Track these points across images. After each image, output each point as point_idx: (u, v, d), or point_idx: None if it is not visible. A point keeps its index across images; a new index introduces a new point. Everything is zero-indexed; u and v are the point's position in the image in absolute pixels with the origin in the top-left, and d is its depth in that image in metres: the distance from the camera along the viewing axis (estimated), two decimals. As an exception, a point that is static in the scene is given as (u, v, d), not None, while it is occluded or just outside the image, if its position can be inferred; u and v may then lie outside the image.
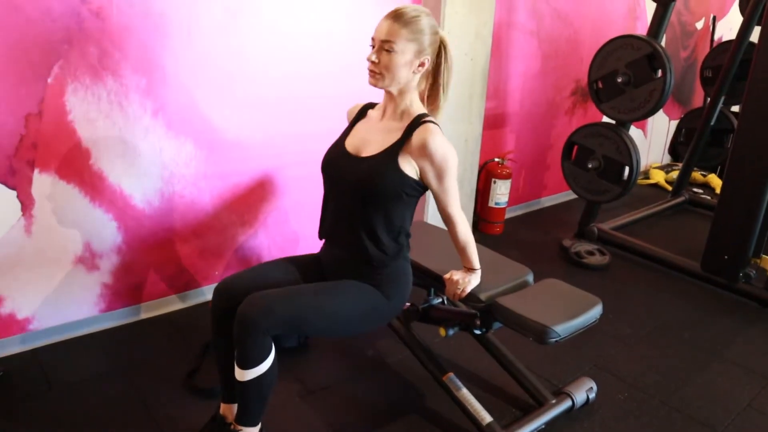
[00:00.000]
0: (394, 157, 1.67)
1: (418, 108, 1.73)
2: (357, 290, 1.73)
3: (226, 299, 1.70)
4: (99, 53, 2.13)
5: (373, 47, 1.67)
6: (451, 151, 1.66)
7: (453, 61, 1.75)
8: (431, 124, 1.67)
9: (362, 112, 1.88)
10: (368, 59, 1.67)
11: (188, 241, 2.58)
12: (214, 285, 2.69)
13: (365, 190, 1.69)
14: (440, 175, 1.68)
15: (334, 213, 1.79)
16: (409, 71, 1.66)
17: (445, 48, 1.72)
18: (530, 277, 2.02)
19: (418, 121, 1.69)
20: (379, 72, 1.66)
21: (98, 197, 2.29)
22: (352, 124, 1.88)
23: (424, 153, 1.65)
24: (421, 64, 1.68)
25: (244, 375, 1.58)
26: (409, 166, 1.68)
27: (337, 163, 1.77)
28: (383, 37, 1.63)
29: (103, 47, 2.13)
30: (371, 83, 1.70)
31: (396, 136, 1.70)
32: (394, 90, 1.70)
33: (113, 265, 2.41)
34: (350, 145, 1.78)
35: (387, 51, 1.63)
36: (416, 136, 1.66)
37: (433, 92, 1.76)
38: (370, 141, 1.74)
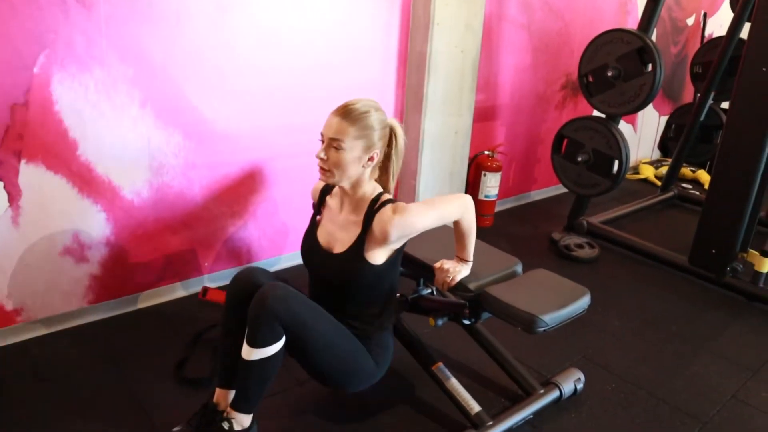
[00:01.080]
0: (361, 254, 1.71)
1: (371, 192, 1.75)
2: (358, 344, 1.77)
3: (247, 284, 1.73)
4: (86, 42, 2.11)
5: (323, 142, 1.68)
6: (409, 216, 1.67)
7: (403, 147, 1.78)
8: (384, 209, 1.69)
9: (323, 199, 1.90)
10: (317, 156, 1.68)
11: (177, 232, 2.57)
12: (204, 276, 2.71)
13: (344, 285, 1.76)
14: (417, 230, 1.72)
15: (319, 291, 1.85)
16: (358, 166, 1.68)
17: (395, 136, 1.74)
18: (519, 268, 2.03)
19: (372, 209, 1.71)
20: (328, 169, 1.68)
21: (86, 188, 2.27)
22: (318, 209, 1.90)
23: (389, 239, 1.67)
24: (371, 159, 1.70)
25: (251, 354, 1.60)
26: (379, 254, 1.72)
27: (313, 257, 1.83)
28: (331, 135, 1.64)
29: (89, 36, 2.12)
30: (321, 179, 1.73)
31: (357, 230, 1.73)
32: (345, 185, 1.73)
33: (102, 256, 2.40)
34: (322, 238, 1.83)
35: (335, 148, 1.64)
36: (376, 227, 1.68)
37: (382, 179, 1.80)
38: (336, 238, 1.78)
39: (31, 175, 2.14)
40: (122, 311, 2.53)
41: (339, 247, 1.75)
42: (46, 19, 2.01)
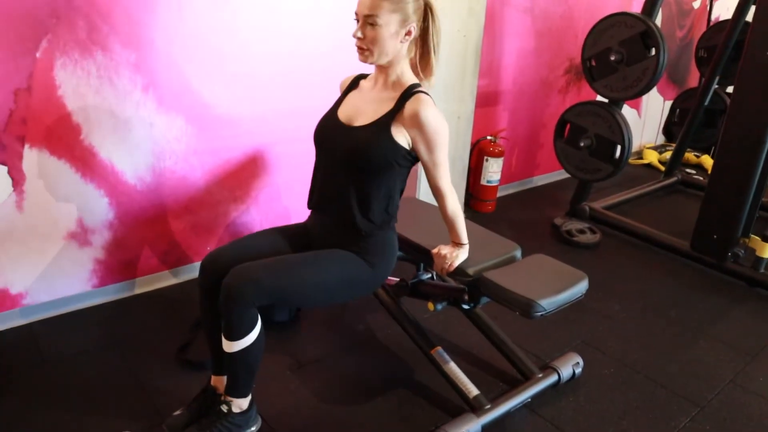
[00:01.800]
0: (387, 127, 1.67)
1: (410, 78, 1.73)
2: (342, 259, 1.74)
3: (213, 272, 1.72)
4: (88, 27, 2.12)
5: (358, 22, 1.65)
6: (442, 123, 1.67)
7: (440, 22, 1.72)
8: (423, 95, 1.67)
9: (354, 83, 1.87)
10: (354, 35, 1.65)
11: (180, 217, 2.59)
12: (206, 260, 2.73)
13: (357, 160, 1.69)
14: (431, 147, 1.68)
15: (325, 182, 1.80)
16: (396, 42, 1.65)
17: (431, 10, 1.69)
18: (518, 253, 2.04)
19: (410, 92, 1.68)
20: (366, 47, 1.65)
21: (89, 173, 2.29)
22: (345, 94, 1.87)
23: (416, 123, 1.65)
24: (408, 33, 1.66)
25: (231, 346, 1.61)
26: (401, 136, 1.68)
27: (330, 132, 1.78)
28: (366, 12, 1.61)
29: (91, 21, 2.12)
30: (360, 59, 1.69)
31: (388, 105, 1.70)
32: (384, 62, 1.70)
33: (105, 240, 2.42)
34: (343, 114, 1.78)
35: (371, 25, 1.61)
36: (408, 107, 1.66)
37: (424, 57, 1.74)
38: (362, 111, 1.74)
39: (34, 159, 2.15)
40: (125, 295, 2.55)
41: (363, 120, 1.71)
42: (47, 4, 2.01)
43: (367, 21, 1.62)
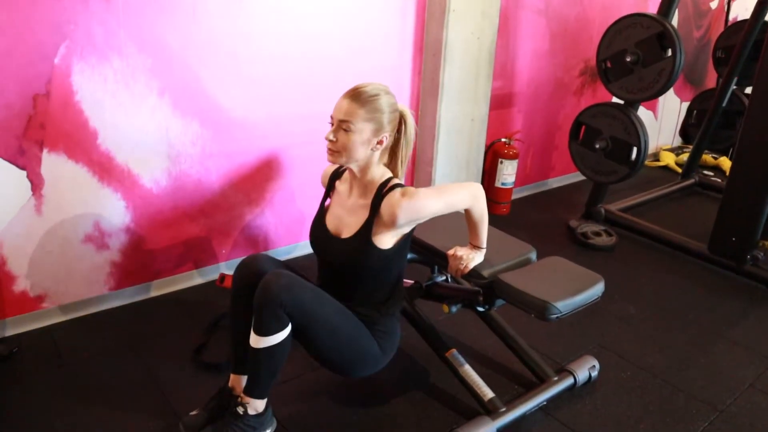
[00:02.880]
0: (368, 238, 1.71)
1: (380, 176, 1.75)
2: (363, 329, 1.77)
3: (252, 272, 1.75)
4: (105, 33, 2.15)
5: (332, 125, 1.68)
6: (418, 200, 1.66)
7: (412, 134, 1.77)
8: (392, 193, 1.68)
9: (332, 184, 1.91)
10: (326, 138, 1.68)
11: (196, 220, 2.61)
12: (221, 263, 2.75)
13: (352, 269, 1.76)
14: (430, 213, 1.71)
15: (329, 280, 1.85)
16: (367, 149, 1.68)
17: (405, 122, 1.73)
18: (533, 255, 2.03)
19: (380, 193, 1.71)
20: (336, 150, 1.68)
21: (106, 176, 2.32)
22: (327, 193, 1.92)
23: (397, 223, 1.67)
24: (380, 142, 1.69)
25: (258, 342, 1.62)
26: (387, 238, 1.72)
27: (323, 243, 1.83)
28: (341, 117, 1.64)
29: (108, 27, 2.15)
30: (330, 161, 1.73)
31: (364, 214, 1.73)
32: (354, 168, 1.73)
33: (122, 244, 2.45)
34: (330, 224, 1.83)
35: (345, 130, 1.64)
36: (384, 211, 1.68)
37: (391, 165, 1.79)
38: (345, 222, 1.78)
39: (53, 164, 2.18)
40: (142, 297, 2.58)
41: (347, 232, 1.76)
42: (65, 10, 2.05)
43: (341, 126, 1.65)
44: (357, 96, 1.64)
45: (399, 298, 1.88)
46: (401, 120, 1.73)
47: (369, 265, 1.73)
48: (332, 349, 1.74)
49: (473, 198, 1.79)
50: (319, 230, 1.85)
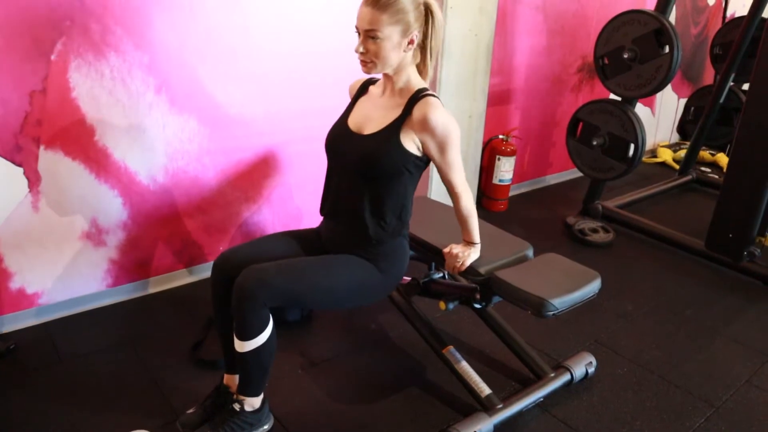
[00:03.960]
0: (396, 134, 1.67)
1: (417, 82, 1.73)
2: (353, 265, 1.75)
3: (225, 272, 1.73)
4: (101, 30, 2.14)
5: (359, 36, 1.65)
6: (452, 123, 1.66)
7: (441, 22, 1.70)
8: (431, 98, 1.67)
9: (364, 88, 1.88)
10: (356, 51, 1.65)
11: (193, 217, 2.61)
12: (217, 260, 2.74)
13: (368, 168, 1.70)
14: (443, 148, 1.68)
15: (337, 189, 1.80)
16: (399, 52, 1.65)
17: (432, 14, 1.67)
18: (530, 252, 2.03)
19: (417, 96, 1.68)
20: (369, 60, 1.65)
21: (103, 173, 2.31)
22: (354, 100, 1.88)
23: (425, 127, 1.65)
24: (410, 42, 1.65)
25: (243, 346, 1.61)
26: (411, 142, 1.68)
27: (340, 141, 1.78)
28: (366, 27, 1.61)
29: (105, 24, 2.14)
30: (364, 71, 1.70)
31: (397, 112, 1.70)
32: (389, 71, 1.70)
33: (119, 240, 2.44)
34: (353, 122, 1.78)
35: (372, 39, 1.61)
36: (417, 111, 1.66)
37: (422, 61, 1.74)
38: (371, 118, 1.74)
39: (49, 160, 2.18)
40: (139, 294, 2.58)
41: (373, 127, 1.71)
42: (62, 7, 2.04)
43: (368, 35, 1.61)
44: (377, 1, 1.58)
45: (407, 219, 1.81)
46: (427, 12, 1.66)
47: (390, 162, 1.68)
48: (334, 302, 1.74)
49: (465, 188, 1.78)
50: (338, 129, 1.80)
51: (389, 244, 1.78)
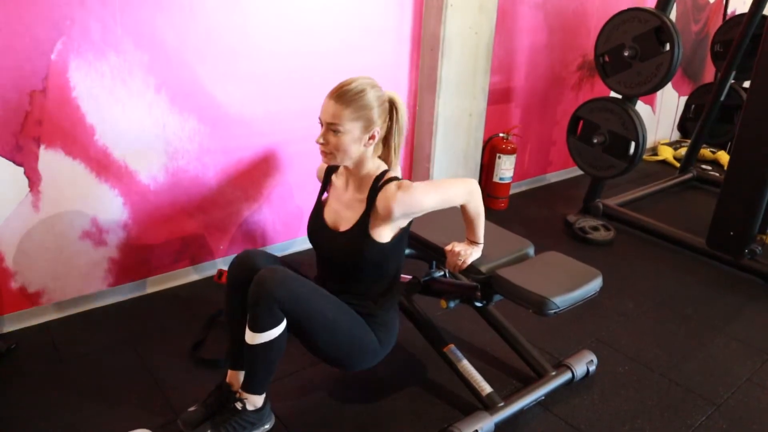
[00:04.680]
0: (366, 232, 1.70)
1: (375, 169, 1.74)
2: (360, 321, 1.77)
3: (246, 268, 1.74)
4: (101, 29, 2.14)
5: (321, 126, 1.66)
6: (413, 194, 1.65)
7: (405, 119, 1.74)
8: (388, 186, 1.67)
9: (328, 179, 1.90)
10: (317, 142, 1.67)
11: (193, 216, 2.61)
12: (219, 259, 2.75)
13: (350, 263, 1.75)
14: (421, 209, 1.70)
15: (328, 274, 1.85)
16: (359, 146, 1.67)
17: (396, 109, 1.71)
18: (531, 250, 2.03)
19: (376, 186, 1.70)
20: (329, 152, 1.67)
21: (104, 173, 2.31)
22: (324, 187, 1.92)
23: (393, 217, 1.66)
24: (372, 137, 1.67)
25: (254, 338, 1.62)
26: (384, 231, 1.71)
27: (321, 235, 1.83)
28: (328, 119, 1.62)
29: (105, 23, 2.14)
30: (324, 161, 1.72)
31: (361, 208, 1.72)
32: (349, 164, 1.72)
33: (120, 240, 2.44)
34: (328, 217, 1.83)
35: (334, 132, 1.63)
36: (380, 205, 1.67)
37: (384, 155, 1.77)
38: (342, 216, 1.78)
39: (50, 160, 2.18)
40: (139, 294, 2.58)
41: (345, 225, 1.75)
42: (62, 6, 2.04)
43: (330, 127, 1.63)
44: (341, 96, 1.62)
45: (397, 291, 1.88)
46: (392, 108, 1.70)
47: (367, 258, 1.73)
48: (329, 342, 1.73)
49: (469, 193, 1.78)
50: (316, 224, 1.85)
51: (382, 316, 1.82)
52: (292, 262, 1.90)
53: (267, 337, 1.61)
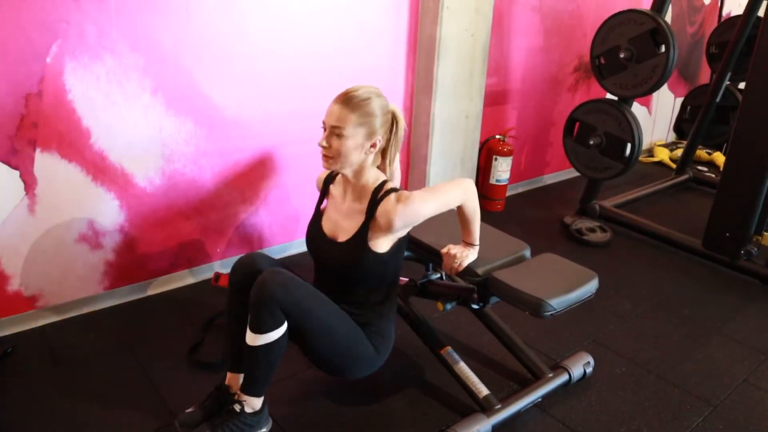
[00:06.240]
0: (365, 242, 1.71)
1: (375, 179, 1.74)
2: (359, 330, 1.78)
3: (249, 271, 1.75)
4: (97, 32, 2.13)
5: (324, 130, 1.67)
6: (413, 202, 1.66)
7: (402, 133, 1.76)
8: (388, 197, 1.68)
9: (326, 188, 1.90)
10: (319, 144, 1.68)
11: (190, 219, 2.60)
12: (216, 262, 2.75)
13: (349, 273, 1.76)
14: (421, 218, 1.71)
15: (323, 279, 1.86)
16: (360, 153, 1.68)
17: (396, 122, 1.72)
18: (527, 252, 2.03)
19: (376, 197, 1.70)
20: (331, 156, 1.67)
21: (100, 176, 2.31)
22: (322, 196, 1.92)
23: (394, 227, 1.67)
24: (373, 145, 1.69)
25: (255, 339, 1.62)
26: (383, 242, 1.72)
27: (319, 244, 1.83)
28: (333, 123, 1.64)
29: (101, 26, 2.14)
30: (325, 167, 1.73)
31: (360, 219, 1.73)
32: (347, 172, 1.73)
33: (116, 243, 2.44)
34: (326, 227, 1.83)
35: (337, 136, 1.64)
36: (380, 216, 1.68)
37: (381, 166, 1.78)
38: (341, 226, 1.78)
39: (46, 163, 2.17)
40: (136, 297, 2.57)
41: (343, 236, 1.76)
42: (58, 9, 2.04)
43: (334, 131, 1.64)
44: (348, 101, 1.63)
45: (394, 300, 1.89)
46: (393, 120, 1.73)
47: (366, 268, 1.74)
48: (327, 349, 1.73)
49: (465, 195, 1.79)
50: (315, 233, 1.85)
51: (379, 325, 1.83)
52: (289, 264, 1.89)
53: (268, 338, 1.62)
